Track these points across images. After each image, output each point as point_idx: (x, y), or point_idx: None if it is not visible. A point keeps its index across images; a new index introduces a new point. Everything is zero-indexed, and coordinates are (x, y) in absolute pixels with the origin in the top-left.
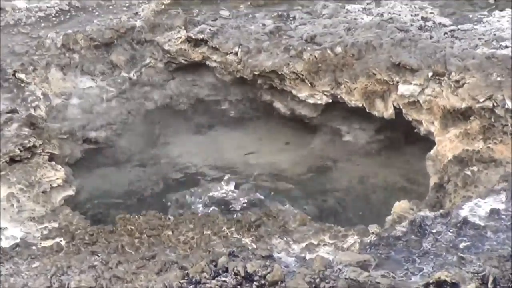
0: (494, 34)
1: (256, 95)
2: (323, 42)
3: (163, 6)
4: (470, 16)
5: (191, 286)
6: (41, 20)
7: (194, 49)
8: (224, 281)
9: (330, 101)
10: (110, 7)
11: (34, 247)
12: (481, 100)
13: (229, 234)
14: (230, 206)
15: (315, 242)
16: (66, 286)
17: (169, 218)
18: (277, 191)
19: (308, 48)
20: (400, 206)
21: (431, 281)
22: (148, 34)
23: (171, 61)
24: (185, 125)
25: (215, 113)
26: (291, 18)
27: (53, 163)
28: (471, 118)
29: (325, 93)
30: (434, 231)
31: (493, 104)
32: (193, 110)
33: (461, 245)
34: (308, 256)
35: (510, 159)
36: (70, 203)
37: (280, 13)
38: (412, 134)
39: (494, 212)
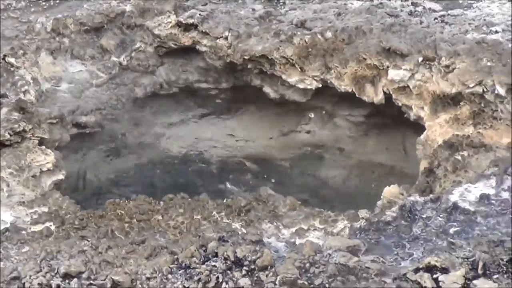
0: (484, 20)
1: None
2: (313, 27)
3: None
4: (460, 1)
5: (180, 271)
6: (31, 5)
7: (184, 34)
8: (214, 266)
9: (320, 86)
10: None
11: (24, 232)
12: (471, 85)
13: (219, 219)
14: None
15: (305, 227)
16: (56, 271)
17: (159, 203)
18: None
19: (298, 33)
20: (390, 191)
21: (421, 266)
22: (138, 19)
23: (161, 46)
24: (175, 110)
25: (204, 98)
26: (281, 3)
27: (43, 147)
28: (461, 103)
29: (315, 78)
30: (424, 216)
31: (483, 90)
32: (183, 94)
33: (451, 230)
34: (298, 241)
35: (500, 144)
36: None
37: None
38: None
39: (484, 197)
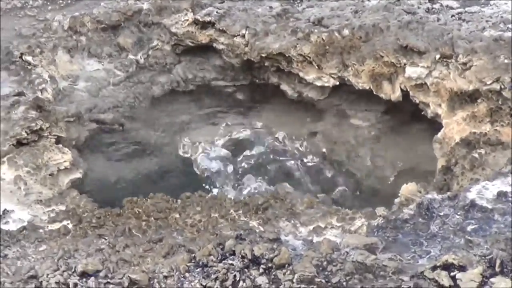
0: (501, 17)
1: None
2: (331, 25)
3: None
4: None
5: (198, 269)
6: (48, 3)
7: (201, 32)
8: (231, 264)
9: (338, 83)
10: None
11: (41, 230)
12: (488, 82)
13: (237, 217)
14: None
15: (323, 225)
16: (73, 269)
17: (176, 201)
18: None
19: (316, 30)
20: (408, 188)
21: (438, 264)
22: (155, 17)
23: (178, 44)
24: (192, 108)
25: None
26: (298, 1)
27: (60, 146)
28: (478, 100)
29: (333, 75)
30: (441, 214)
31: (501, 87)
32: (200, 92)
33: (469, 228)
34: (315, 239)
35: None
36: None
37: None
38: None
39: (501, 195)
